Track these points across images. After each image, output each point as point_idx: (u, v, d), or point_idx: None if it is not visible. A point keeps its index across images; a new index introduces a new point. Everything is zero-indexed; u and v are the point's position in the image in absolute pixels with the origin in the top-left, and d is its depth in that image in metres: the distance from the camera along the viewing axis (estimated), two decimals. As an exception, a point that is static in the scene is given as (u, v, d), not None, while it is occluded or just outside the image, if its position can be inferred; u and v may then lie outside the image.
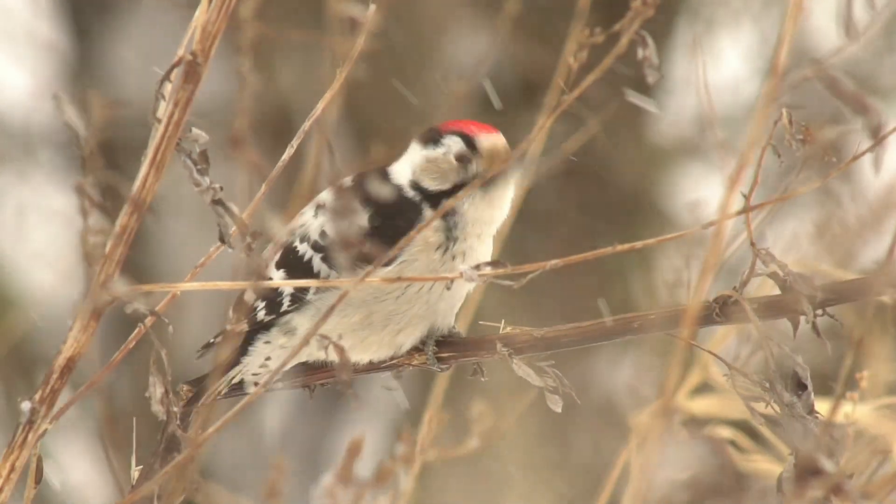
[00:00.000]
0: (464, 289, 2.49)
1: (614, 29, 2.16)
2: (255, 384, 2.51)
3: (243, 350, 2.50)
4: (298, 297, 2.47)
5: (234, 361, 2.50)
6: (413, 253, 2.45)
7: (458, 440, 3.08)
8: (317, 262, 2.46)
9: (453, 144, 2.48)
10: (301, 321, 2.48)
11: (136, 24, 4.93)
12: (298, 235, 2.47)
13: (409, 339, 2.49)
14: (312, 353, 2.50)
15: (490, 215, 2.50)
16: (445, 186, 2.48)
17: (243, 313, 2.44)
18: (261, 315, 2.48)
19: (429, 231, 2.44)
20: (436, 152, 2.49)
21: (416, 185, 2.49)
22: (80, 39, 4.95)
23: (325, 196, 2.48)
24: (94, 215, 2.10)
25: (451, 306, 2.49)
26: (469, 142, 2.48)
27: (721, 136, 2.17)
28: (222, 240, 2.22)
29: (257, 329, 2.50)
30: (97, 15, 4.94)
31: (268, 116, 4.51)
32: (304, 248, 2.47)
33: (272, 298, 2.48)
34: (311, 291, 2.47)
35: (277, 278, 2.46)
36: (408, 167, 2.50)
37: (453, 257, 2.47)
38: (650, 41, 2.18)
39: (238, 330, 2.37)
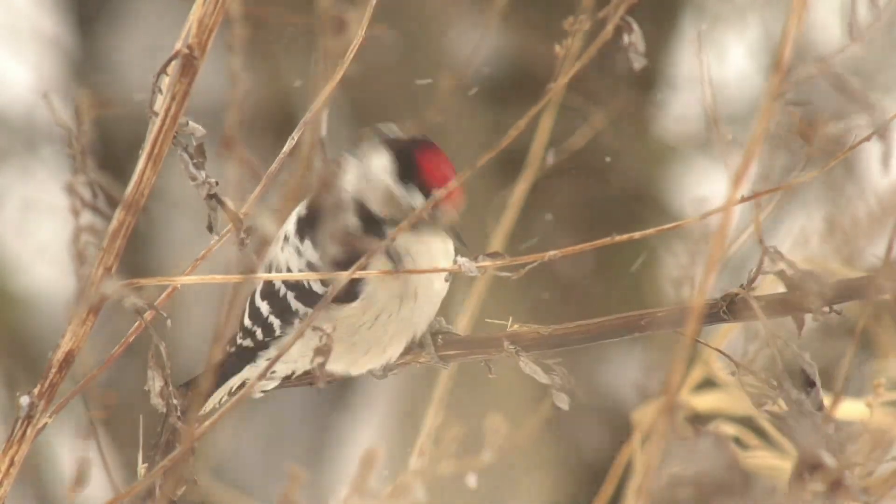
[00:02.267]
0: (439, 297, 2.48)
1: (600, 15, 2.15)
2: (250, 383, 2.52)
3: (247, 361, 2.51)
4: (288, 324, 2.48)
5: (237, 370, 2.52)
6: (375, 284, 2.43)
7: (470, 448, 3.08)
8: (293, 301, 2.46)
9: (418, 200, 2.42)
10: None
11: (140, 19, 4.93)
12: (273, 266, 2.48)
13: (397, 351, 2.50)
14: (302, 366, 2.52)
15: (430, 256, 2.46)
16: (392, 217, 2.44)
17: (231, 336, 2.46)
18: (259, 335, 2.49)
19: (380, 262, 2.42)
20: (401, 193, 2.43)
21: (362, 205, 2.45)
22: (83, 34, 4.95)
23: (290, 225, 2.47)
24: (85, 214, 2.10)
25: (429, 314, 2.47)
26: (436, 202, 2.40)
27: (726, 133, 2.15)
28: (210, 229, 2.23)
29: (259, 346, 2.51)
30: (100, 10, 4.94)
31: (269, 111, 4.51)
32: (277, 283, 2.46)
33: (265, 324, 2.49)
34: (297, 321, 2.47)
35: (264, 308, 2.47)
36: (361, 180, 2.45)
37: (405, 283, 2.45)
38: (636, 27, 2.17)
39: (218, 359, 2.36)
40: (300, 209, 2.47)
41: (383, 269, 2.35)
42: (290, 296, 2.46)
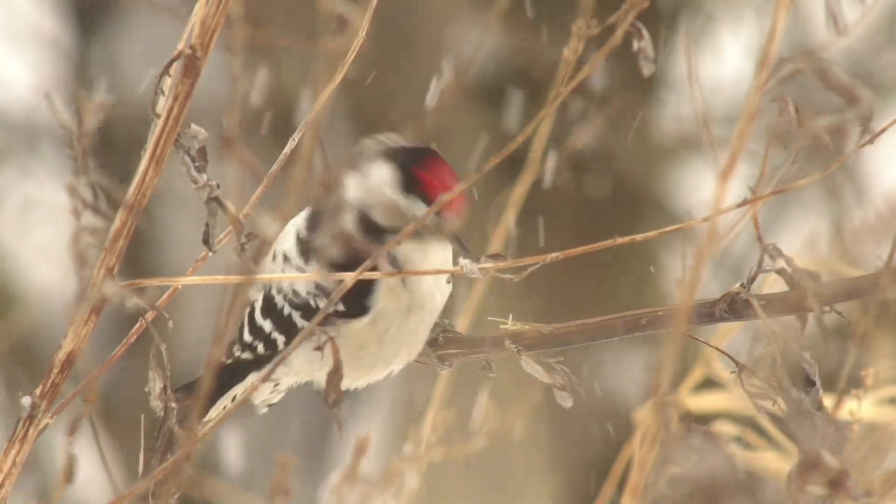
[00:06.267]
0: (439, 309, 2.48)
1: (609, 21, 2.14)
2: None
3: (246, 373, 2.51)
4: (291, 338, 2.47)
5: (235, 381, 2.52)
6: (385, 298, 2.44)
7: (464, 439, 3.08)
8: (298, 320, 2.46)
9: (421, 210, 2.41)
10: (293, 358, 2.48)
11: (141, 19, 4.93)
12: (273, 284, 2.46)
13: (399, 367, 2.51)
14: (306, 377, 2.53)
15: (429, 265, 2.46)
16: (395, 227, 2.43)
17: (228, 346, 2.46)
18: (260, 350, 2.49)
19: (390, 279, 2.42)
20: (404, 204, 2.42)
21: (364, 216, 2.44)
22: (83, 34, 4.95)
23: (290, 245, 2.47)
24: (86, 215, 2.10)
25: (431, 326, 2.48)
26: (438, 210, 2.39)
27: (716, 132, 2.16)
28: (205, 242, 2.23)
29: (261, 360, 2.51)
30: (100, 10, 4.94)
31: (269, 112, 4.51)
32: (280, 301, 2.47)
33: (267, 338, 2.48)
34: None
35: (266, 326, 2.47)
36: (363, 192, 2.44)
37: (412, 295, 2.45)
38: (645, 33, 2.17)
39: (217, 363, 2.36)
40: (300, 227, 2.46)
41: (385, 272, 2.35)
42: (296, 315, 2.46)
